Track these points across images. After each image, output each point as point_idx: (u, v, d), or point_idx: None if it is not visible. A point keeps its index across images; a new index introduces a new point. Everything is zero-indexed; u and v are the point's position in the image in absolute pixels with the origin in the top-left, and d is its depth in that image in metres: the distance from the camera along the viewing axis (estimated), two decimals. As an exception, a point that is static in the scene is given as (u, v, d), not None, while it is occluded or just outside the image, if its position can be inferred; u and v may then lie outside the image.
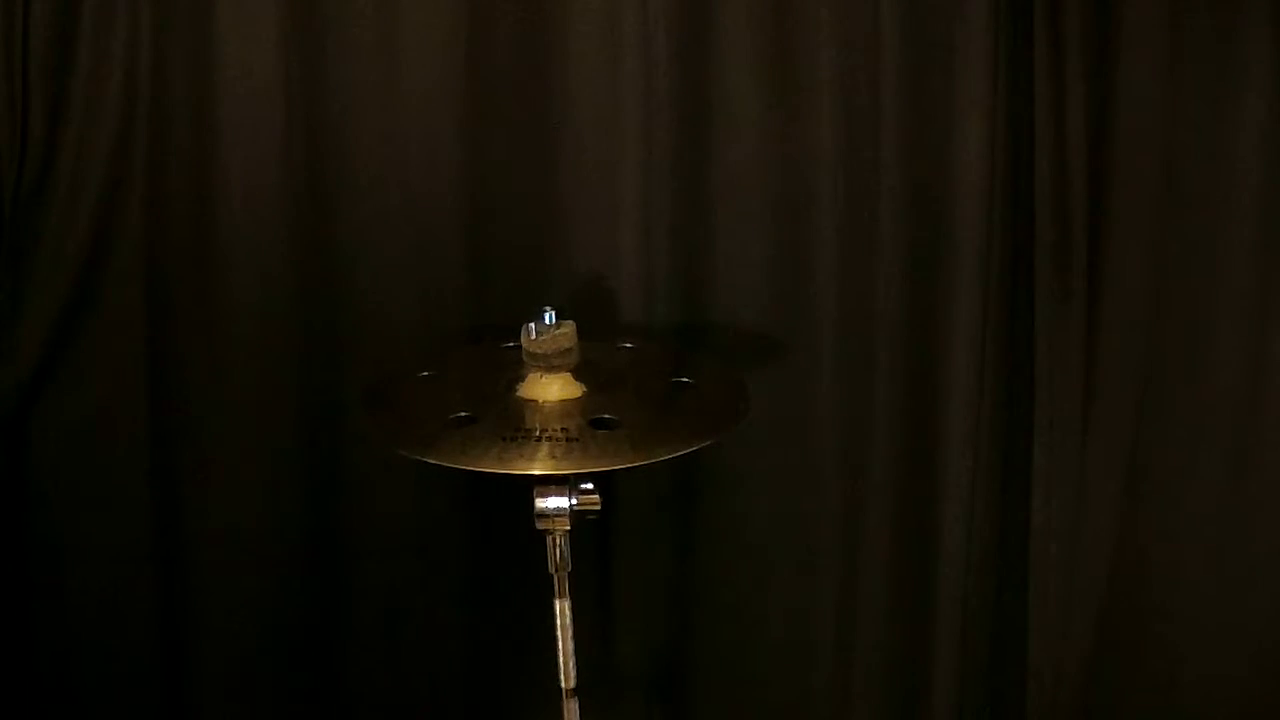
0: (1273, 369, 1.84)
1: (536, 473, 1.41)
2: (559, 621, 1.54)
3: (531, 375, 1.56)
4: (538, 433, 1.46)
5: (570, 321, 1.57)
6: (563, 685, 1.57)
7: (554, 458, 1.41)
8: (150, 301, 1.85)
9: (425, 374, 1.71)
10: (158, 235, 1.83)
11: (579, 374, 1.57)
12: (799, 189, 1.86)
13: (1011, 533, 1.96)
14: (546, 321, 1.55)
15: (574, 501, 1.43)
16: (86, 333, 1.84)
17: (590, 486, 1.44)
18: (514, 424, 1.49)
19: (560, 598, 1.53)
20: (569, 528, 1.45)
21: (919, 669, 2.01)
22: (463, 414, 1.51)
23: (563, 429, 1.46)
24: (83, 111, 1.77)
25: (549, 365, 1.55)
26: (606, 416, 1.51)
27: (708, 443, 1.49)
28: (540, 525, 1.44)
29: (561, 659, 1.56)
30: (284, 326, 1.87)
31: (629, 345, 1.78)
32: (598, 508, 1.44)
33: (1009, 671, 2.01)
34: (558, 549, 1.49)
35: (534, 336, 1.55)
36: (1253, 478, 1.88)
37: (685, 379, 1.66)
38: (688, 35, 1.81)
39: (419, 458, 1.44)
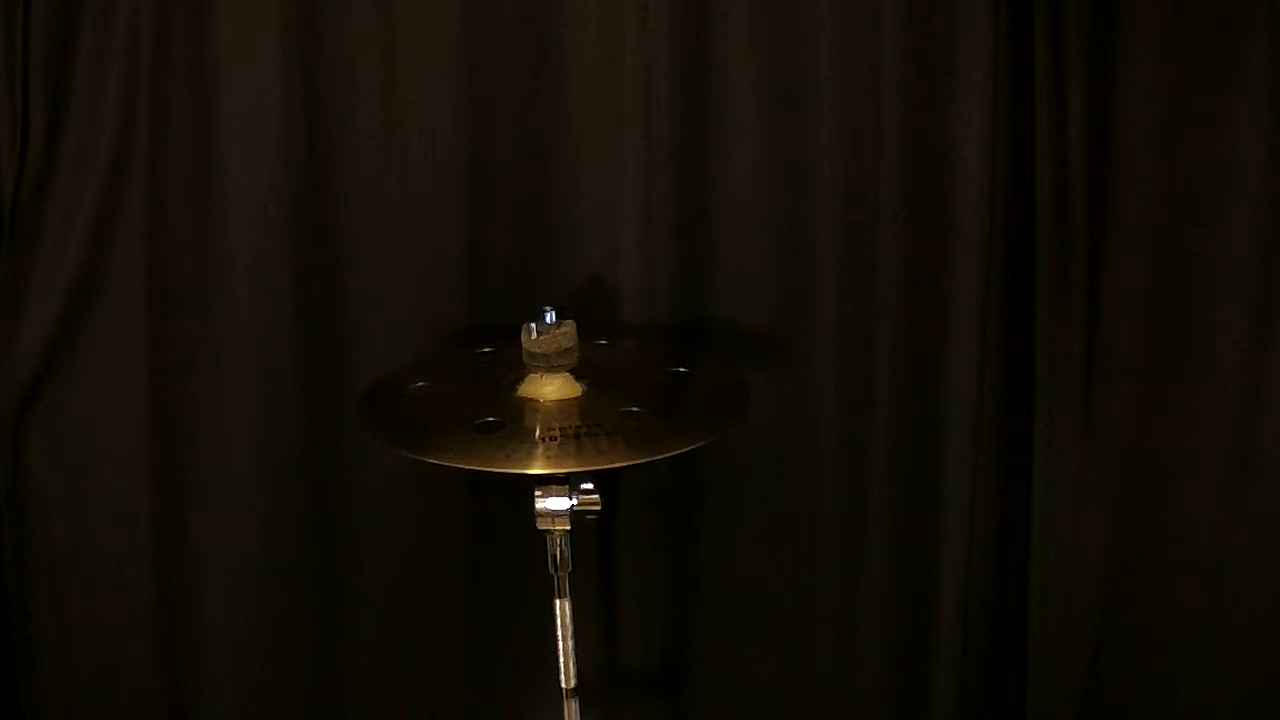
0: (1273, 368, 1.84)
1: (536, 473, 1.41)
2: (559, 621, 1.54)
3: (531, 375, 1.56)
4: (538, 433, 1.46)
5: (570, 321, 1.57)
6: (563, 685, 1.57)
7: (554, 458, 1.41)
8: (150, 301, 1.85)
9: (424, 375, 1.70)
10: (158, 235, 1.83)
11: (579, 373, 1.57)
12: (799, 188, 1.86)
13: (1012, 531, 1.96)
14: (547, 321, 1.55)
15: (574, 501, 1.43)
16: (86, 332, 1.84)
17: (590, 486, 1.44)
18: (514, 424, 1.49)
19: (560, 598, 1.53)
20: (569, 528, 1.45)
21: (919, 669, 2.01)
22: (490, 419, 1.50)
23: (562, 429, 1.47)
24: (83, 112, 1.77)
25: (549, 365, 1.55)
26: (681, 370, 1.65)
27: (708, 441, 1.49)
28: (540, 525, 1.45)
29: (561, 659, 1.56)
30: (284, 326, 1.87)
31: (629, 344, 1.78)
32: (598, 508, 1.44)
33: (1009, 671, 2.01)
34: (558, 549, 1.49)
35: (534, 336, 1.55)
36: (1253, 477, 1.88)
37: (685, 378, 1.66)
38: (688, 34, 1.81)
39: (420, 458, 1.44)
